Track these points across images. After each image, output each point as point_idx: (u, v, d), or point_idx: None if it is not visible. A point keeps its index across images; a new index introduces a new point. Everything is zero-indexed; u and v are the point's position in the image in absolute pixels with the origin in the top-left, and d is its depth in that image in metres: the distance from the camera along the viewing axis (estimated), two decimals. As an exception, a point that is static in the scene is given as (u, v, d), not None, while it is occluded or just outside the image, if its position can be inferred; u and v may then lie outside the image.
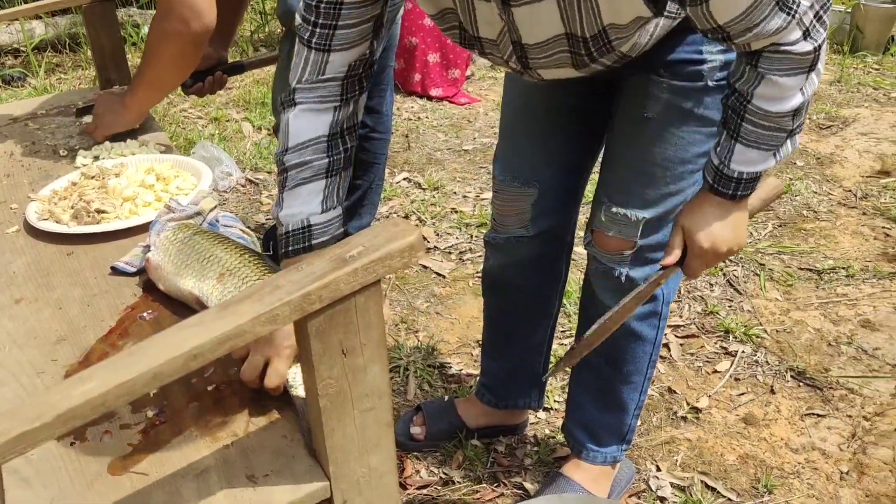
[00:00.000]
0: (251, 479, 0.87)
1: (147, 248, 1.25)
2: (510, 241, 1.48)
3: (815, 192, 2.95)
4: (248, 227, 2.43)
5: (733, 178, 1.05)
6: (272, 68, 2.28)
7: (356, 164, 2.15)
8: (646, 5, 0.92)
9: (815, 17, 0.92)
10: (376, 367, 0.85)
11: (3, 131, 1.82)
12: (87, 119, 1.79)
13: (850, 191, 2.97)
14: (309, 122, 1.06)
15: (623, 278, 1.30)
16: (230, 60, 2.01)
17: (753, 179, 1.06)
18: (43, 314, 1.17)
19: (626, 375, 1.45)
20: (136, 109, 1.71)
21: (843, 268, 2.42)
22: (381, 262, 0.79)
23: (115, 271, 1.26)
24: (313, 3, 1.02)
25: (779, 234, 2.64)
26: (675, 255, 1.11)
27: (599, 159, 1.39)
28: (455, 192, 2.94)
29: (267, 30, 5.00)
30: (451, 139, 3.49)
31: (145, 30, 4.72)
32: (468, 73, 4.18)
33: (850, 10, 5.09)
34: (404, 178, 3.05)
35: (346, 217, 2.23)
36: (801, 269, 2.44)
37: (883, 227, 2.68)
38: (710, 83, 1.14)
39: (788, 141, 1.03)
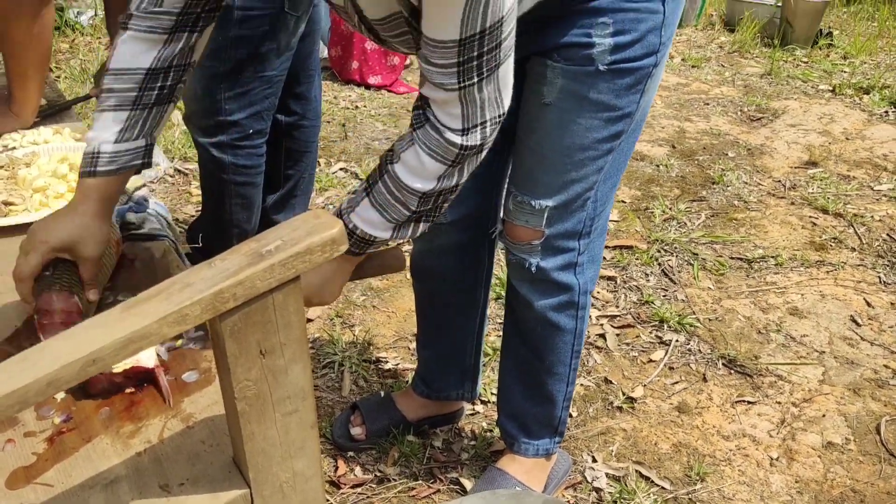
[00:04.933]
0: (165, 488, 0.82)
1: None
2: (432, 229, 1.45)
3: (746, 183, 3.02)
4: (176, 220, 2.33)
5: (348, 227, 1.02)
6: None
7: (286, 153, 2.13)
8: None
9: (481, 122, 0.93)
10: (298, 366, 0.81)
11: None
12: None
13: (779, 181, 3.05)
14: (132, 50, 1.05)
15: (534, 269, 1.30)
16: None
17: (365, 241, 1.04)
18: (-57, 313, 1.09)
19: (549, 366, 1.44)
20: (22, 111, 1.62)
21: (773, 257, 2.48)
22: (301, 258, 0.75)
23: None
24: None
25: (711, 224, 2.69)
26: None
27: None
28: (392, 183, 2.89)
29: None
30: (390, 129, 3.45)
31: (70, 14, 4.52)
32: (407, 61, 4.13)
33: (780, 3, 5.22)
34: (341, 169, 3.00)
35: (278, 209, 2.19)
36: (733, 258, 2.48)
37: (810, 217, 2.75)
38: (600, 67, 1.12)
39: (412, 224, 1.02)
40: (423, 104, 0.97)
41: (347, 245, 0.80)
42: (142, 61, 1.05)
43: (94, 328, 0.68)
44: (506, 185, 1.48)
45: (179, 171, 2.87)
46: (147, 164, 1.11)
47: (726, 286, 2.33)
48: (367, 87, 3.95)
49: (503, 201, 1.32)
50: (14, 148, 1.54)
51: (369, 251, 1.07)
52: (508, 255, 1.35)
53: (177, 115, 3.30)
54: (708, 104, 3.92)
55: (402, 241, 1.07)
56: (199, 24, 1.08)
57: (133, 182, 1.34)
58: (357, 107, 3.71)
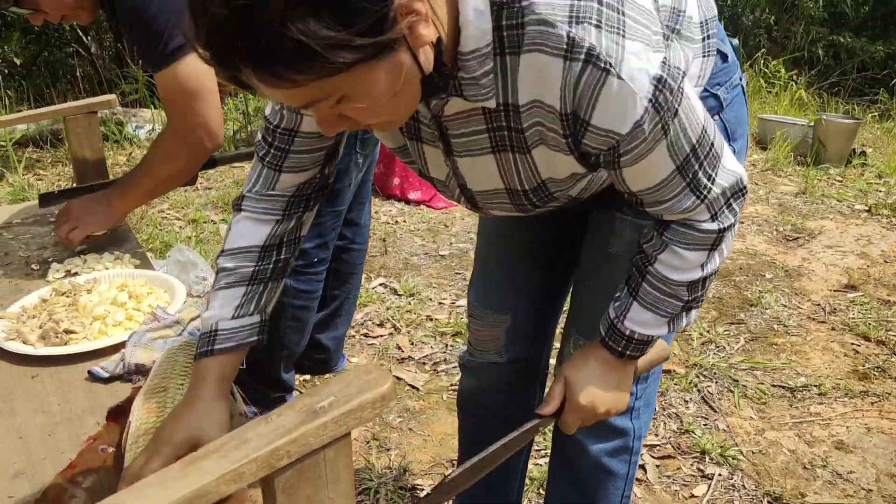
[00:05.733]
0: None
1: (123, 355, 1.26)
2: (484, 366, 1.47)
3: (785, 306, 3.00)
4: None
5: (625, 335, 1.05)
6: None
7: (333, 275, 2.19)
8: (580, 164, 0.94)
9: (725, 203, 0.96)
10: (344, 520, 0.82)
11: (-23, 241, 1.80)
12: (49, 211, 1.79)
13: (818, 305, 3.03)
14: (247, 230, 1.10)
15: None
16: None
17: (644, 342, 1.06)
18: (3, 444, 1.13)
19: None
20: (123, 212, 1.71)
21: (815, 385, 2.43)
22: (353, 415, 0.78)
23: (91, 375, 1.26)
24: (272, 126, 1.06)
25: (751, 349, 2.66)
26: (553, 406, 1.10)
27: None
28: (431, 299, 2.94)
29: (249, 129, 5.11)
30: (428, 244, 3.53)
31: (129, 128, 4.79)
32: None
33: (812, 123, 5.32)
34: (381, 284, 3.06)
35: (322, 328, 2.24)
36: (775, 385, 2.45)
37: (852, 344, 2.71)
38: None
39: (684, 313, 1.05)
40: (663, 221, 0.99)
41: (394, 401, 0.82)
42: (256, 240, 1.09)
43: (154, 486, 0.71)
44: (555, 326, 1.50)
45: (225, 285, 2.95)
46: (263, 340, 1.13)
47: (769, 416, 2.28)
48: (408, 202, 4.07)
49: (563, 346, 1.32)
50: (76, 273, 1.63)
51: (646, 351, 1.09)
52: None
53: (224, 230, 3.44)
54: (743, 223, 3.95)
55: (675, 332, 1.09)
56: (310, 203, 1.13)
57: (188, 312, 1.40)
58: (397, 221, 3.82)
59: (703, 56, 1.06)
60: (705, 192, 0.93)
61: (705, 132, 0.90)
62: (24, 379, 1.29)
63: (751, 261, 3.45)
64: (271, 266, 1.12)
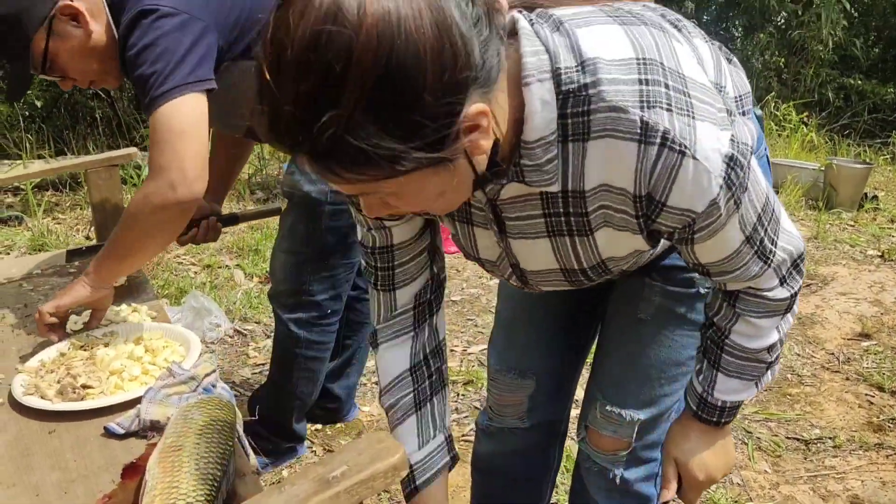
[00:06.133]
0: None
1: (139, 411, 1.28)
2: (504, 432, 1.46)
3: (799, 355, 2.98)
4: (232, 382, 2.40)
5: (717, 406, 1.07)
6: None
7: (346, 324, 2.21)
8: (646, 242, 0.95)
9: (792, 265, 0.97)
10: (355, 589, 0.83)
11: (-2, 292, 1.84)
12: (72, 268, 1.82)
13: (832, 354, 3.01)
14: (392, 359, 1.13)
15: (618, 479, 1.28)
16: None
17: (736, 407, 1.08)
18: (20, 502, 1.14)
19: None
20: (104, 276, 1.56)
21: (830, 437, 2.41)
22: (365, 485, 0.80)
23: (107, 431, 1.28)
24: (369, 250, 1.09)
25: (765, 399, 2.65)
26: (673, 488, 1.13)
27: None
28: (442, 346, 2.94)
29: (265, 173, 5.17)
30: (440, 289, 3.54)
31: (146, 172, 4.86)
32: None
33: (822, 168, 5.33)
34: (392, 331, 3.07)
35: (334, 377, 2.25)
36: (789, 437, 2.43)
37: (866, 395, 2.69)
38: (701, 290, 1.16)
39: (768, 371, 1.06)
40: (724, 296, 1.01)
41: (405, 470, 0.84)
42: (402, 365, 1.12)
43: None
44: (577, 384, 1.50)
45: (239, 331, 2.98)
46: (456, 458, 1.16)
47: (783, 469, 2.26)
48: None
49: (587, 408, 1.32)
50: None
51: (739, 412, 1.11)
52: (587, 462, 1.34)
53: (239, 275, 3.47)
54: (755, 269, 3.95)
55: (763, 388, 1.12)
56: (434, 307, 1.16)
57: (203, 367, 1.42)
58: (409, 266, 3.84)
59: None
60: (771, 257, 0.94)
61: (768, 200, 0.91)
62: (41, 434, 1.31)
63: (763, 308, 3.43)
64: (428, 382, 1.14)
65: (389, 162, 0.69)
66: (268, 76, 0.68)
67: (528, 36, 0.81)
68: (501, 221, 0.98)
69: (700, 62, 0.91)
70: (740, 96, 1.07)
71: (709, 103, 0.82)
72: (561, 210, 0.91)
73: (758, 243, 0.92)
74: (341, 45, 0.65)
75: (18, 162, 4.65)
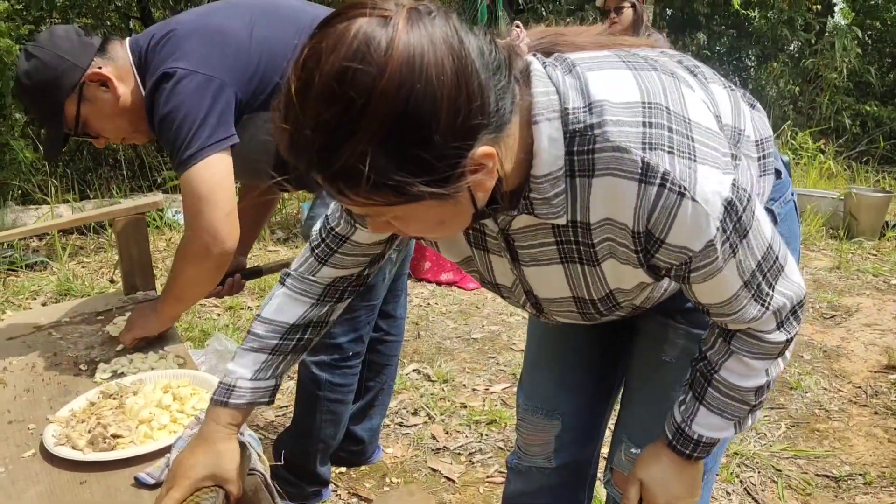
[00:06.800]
0: None
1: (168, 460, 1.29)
2: (532, 471, 1.47)
3: (825, 389, 2.95)
4: (256, 426, 2.41)
5: (693, 439, 1.07)
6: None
7: (369, 366, 2.22)
8: (647, 274, 0.98)
9: (790, 311, 0.98)
10: None
11: (27, 341, 1.87)
12: (112, 329, 1.86)
13: (859, 387, 2.97)
14: (282, 306, 1.22)
15: None
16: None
17: (712, 444, 1.08)
18: (51, 555, 1.15)
19: None
20: (167, 318, 1.79)
21: (860, 474, 2.37)
22: (398, 541, 0.80)
23: (137, 482, 1.30)
24: (329, 226, 1.17)
25: (793, 436, 2.61)
26: None
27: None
28: (464, 385, 2.94)
29: (284, 213, 5.23)
30: (461, 326, 3.55)
31: (169, 214, 4.94)
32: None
33: (842, 197, 5.30)
34: (414, 370, 3.07)
35: (357, 419, 2.25)
36: (819, 475, 2.39)
37: (895, 429, 2.65)
38: None
39: (750, 415, 1.07)
40: (721, 332, 1.03)
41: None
42: (287, 317, 1.21)
43: None
44: (605, 427, 1.50)
45: (261, 373, 2.99)
46: (271, 402, 1.25)
47: (814, 508, 2.23)
48: (439, 283, 4.12)
49: (614, 450, 1.33)
50: (123, 374, 1.68)
51: (712, 451, 1.11)
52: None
53: (261, 316, 3.50)
54: (778, 301, 3.92)
55: (741, 433, 1.12)
56: (344, 296, 1.24)
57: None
58: (429, 304, 3.85)
59: (761, 175, 1.09)
60: (768, 300, 0.95)
61: (770, 248, 0.93)
62: (73, 485, 1.32)
63: (787, 341, 3.40)
64: (293, 343, 1.23)
65: (396, 191, 0.75)
66: (294, 99, 0.73)
67: (540, 77, 0.86)
68: (514, 250, 1.03)
69: (713, 106, 0.95)
70: (762, 140, 1.09)
71: (713, 147, 0.85)
72: (571, 238, 0.95)
73: (755, 288, 0.93)
74: (365, 83, 0.70)
75: (45, 207, 4.74)
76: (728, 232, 0.86)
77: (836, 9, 10.31)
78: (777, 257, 0.94)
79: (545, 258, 1.01)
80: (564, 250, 0.98)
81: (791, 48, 9.98)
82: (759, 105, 1.13)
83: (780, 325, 0.98)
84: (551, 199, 0.88)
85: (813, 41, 9.30)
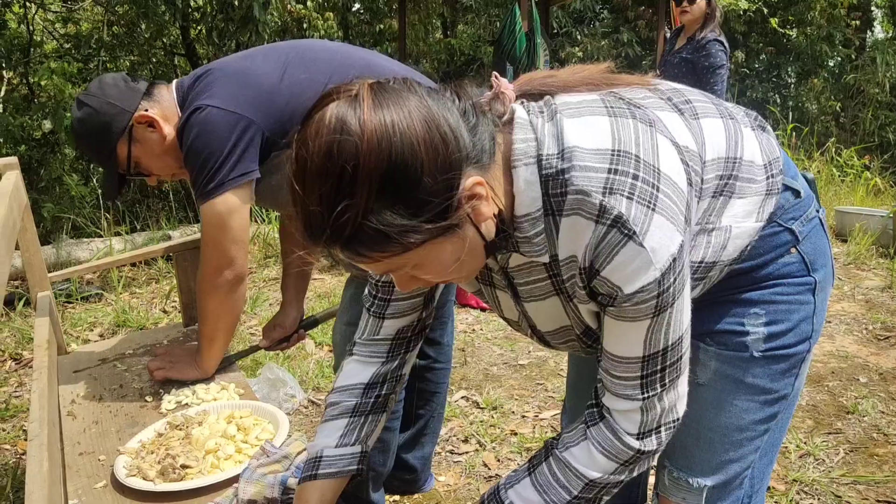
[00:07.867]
0: None
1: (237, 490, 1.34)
2: None
3: (883, 412, 2.88)
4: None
5: (504, 503, 1.08)
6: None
7: (418, 394, 2.24)
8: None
9: (656, 426, 1.01)
10: None
11: (94, 373, 1.93)
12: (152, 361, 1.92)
13: (920, 410, 2.89)
14: (355, 371, 1.25)
15: None
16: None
17: None
18: (128, 584, 1.19)
19: None
20: (205, 366, 1.86)
21: (925, 501, 2.31)
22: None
23: None
24: (374, 282, 1.22)
25: (852, 461, 2.55)
26: None
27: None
28: (513, 412, 2.94)
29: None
30: (507, 353, 3.55)
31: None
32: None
33: (891, 214, 5.19)
34: (462, 398, 3.08)
35: (409, 448, 2.27)
36: (879, 501, 2.33)
37: (961, 454, 2.57)
38: (755, 353, 1.16)
39: None
40: (598, 403, 1.05)
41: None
42: (361, 378, 1.24)
43: None
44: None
45: (313, 401, 3.03)
46: (362, 471, 1.25)
47: (878, 536, 2.17)
48: (482, 309, 4.13)
49: (658, 475, 1.32)
50: (187, 405, 1.73)
51: None
52: None
53: (310, 345, 3.55)
54: (830, 322, 3.85)
55: None
56: (411, 345, 1.27)
57: (295, 446, 1.46)
58: (474, 330, 3.86)
59: (766, 194, 1.10)
60: (650, 394, 0.98)
61: (681, 342, 0.97)
62: (145, 516, 1.36)
63: (843, 364, 3.34)
64: (372, 400, 1.25)
65: (404, 236, 0.83)
66: (296, 186, 0.83)
67: (521, 125, 0.94)
68: (514, 287, 1.08)
69: (698, 143, 1.00)
70: (769, 162, 1.11)
71: (675, 202, 0.91)
72: (557, 272, 1.01)
73: (648, 371, 0.97)
74: (350, 150, 0.80)
75: (97, 240, 4.88)
76: (662, 288, 0.90)
77: (876, 23, 10.18)
78: (681, 358, 0.98)
79: (541, 293, 1.06)
80: (557, 283, 1.03)
81: (831, 64, 9.87)
82: (769, 127, 1.16)
83: (641, 435, 1.01)
84: (532, 237, 0.95)
85: (853, 56, 9.19)
